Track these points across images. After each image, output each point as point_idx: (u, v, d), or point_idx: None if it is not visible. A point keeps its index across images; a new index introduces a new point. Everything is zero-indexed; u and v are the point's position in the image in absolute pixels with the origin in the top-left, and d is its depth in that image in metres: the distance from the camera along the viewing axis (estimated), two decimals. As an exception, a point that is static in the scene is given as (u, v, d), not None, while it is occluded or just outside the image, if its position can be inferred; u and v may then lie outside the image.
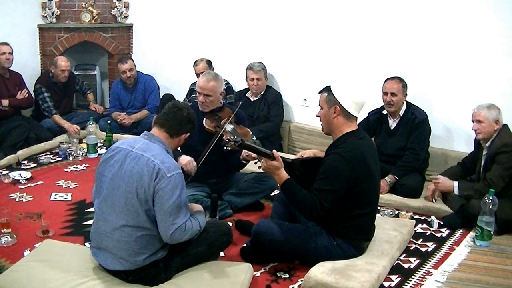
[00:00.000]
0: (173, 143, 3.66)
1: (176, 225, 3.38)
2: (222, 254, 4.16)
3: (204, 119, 4.86)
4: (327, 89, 3.85)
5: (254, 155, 4.63)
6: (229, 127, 4.80)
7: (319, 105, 3.91)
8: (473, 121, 4.95)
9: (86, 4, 8.08)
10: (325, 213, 3.68)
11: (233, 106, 5.27)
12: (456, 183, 4.93)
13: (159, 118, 3.67)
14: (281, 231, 3.91)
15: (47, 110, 7.19)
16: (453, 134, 5.79)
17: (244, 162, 4.85)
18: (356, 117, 3.83)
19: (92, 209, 4.92)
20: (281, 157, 3.89)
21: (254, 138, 6.22)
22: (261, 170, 3.98)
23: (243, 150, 4.63)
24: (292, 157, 4.40)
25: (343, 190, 3.65)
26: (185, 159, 4.66)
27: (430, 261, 4.28)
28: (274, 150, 3.84)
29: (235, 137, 3.83)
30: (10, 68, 6.96)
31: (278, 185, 3.87)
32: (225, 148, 3.90)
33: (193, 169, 4.63)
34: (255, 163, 4.69)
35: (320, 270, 3.68)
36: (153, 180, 3.34)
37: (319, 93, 3.92)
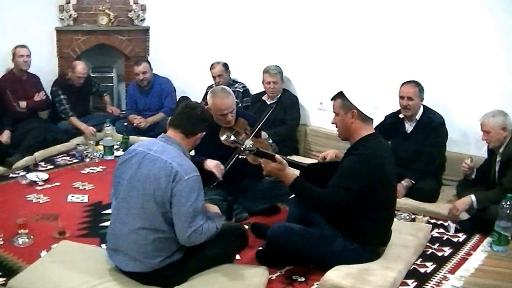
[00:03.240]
0: (189, 143, 3.64)
1: (193, 228, 3.37)
2: (237, 256, 4.15)
3: (221, 132, 4.78)
4: (340, 94, 3.83)
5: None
6: (248, 143, 4.71)
7: (334, 111, 3.89)
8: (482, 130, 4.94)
9: (103, 7, 8.14)
10: (339, 210, 3.65)
11: (248, 112, 5.22)
12: (473, 198, 4.84)
13: (173, 119, 3.67)
14: (296, 235, 3.90)
15: (64, 112, 7.22)
16: (470, 138, 5.73)
17: (267, 178, 4.82)
18: (372, 120, 3.82)
19: (108, 211, 4.91)
20: (295, 162, 3.86)
21: (271, 141, 6.22)
22: None
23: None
24: (307, 161, 4.39)
25: (358, 191, 3.61)
26: (212, 162, 4.61)
27: (446, 266, 4.24)
28: (276, 155, 3.78)
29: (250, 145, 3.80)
30: (27, 70, 7.01)
31: (287, 185, 3.79)
32: (240, 156, 3.88)
33: (221, 173, 4.57)
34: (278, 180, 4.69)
35: (336, 274, 3.66)
36: (171, 183, 3.33)
37: (331, 99, 3.91)
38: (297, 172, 3.89)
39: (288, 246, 3.89)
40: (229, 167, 4.60)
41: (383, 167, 3.69)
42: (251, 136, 4.76)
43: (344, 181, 3.62)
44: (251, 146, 4.39)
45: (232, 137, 4.69)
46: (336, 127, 3.92)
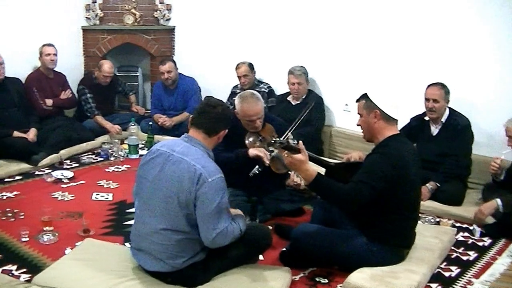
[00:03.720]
0: (212, 142, 3.61)
1: (218, 230, 3.36)
2: (261, 257, 4.16)
3: (247, 135, 4.79)
4: (364, 96, 3.83)
5: (302, 186, 4.64)
6: (274, 152, 4.71)
7: (358, 113, 3.88)
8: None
9: (129, 6, 8.17)
10: (360, 206, 3.62)
11: (274, 116, 5.21)
12: (499, 202, 4.79)
13: (195, 119, 3.62)
14: (320, 237, 3.90)
15: (90, 111, 7.27)
16: (496, 141, 5.67)
17: (289, 187, 4.82)
18: (397, 120, 3.79)
19: (132, 210, 4.94)
20: (324, 160, 3.84)
21: (295, 142, 6.20)
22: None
23: (291, 179, 4.60)
24: (333, 161, 4.38)
25: (380, 189, 3.58)
26: (255, 149, 4.59)
27: (471, 270, 4.20)
28: (301, 148, 3.70)
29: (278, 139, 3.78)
30: (54, 69, 7.07)
31: (306, 181, 3.70)
32: (270, 149, 3.83)
33: (267, 157, 4.49)
34: (300, 191, 4.69)
35: (359, 276, 3.65)
36: (195, 185, 3.31)
37: (356, 101, 3.90)
38: (320, 170, 3.86)
39: (312, 248, 3.89)
40: (252, 178, 4.56)
41: (407, 168, 3.66)
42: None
43: (367, 177, 3.59)
44: (276, 154, 4.38)
45: (258, 144, 4.68)
46: (361, 128, 3.90)
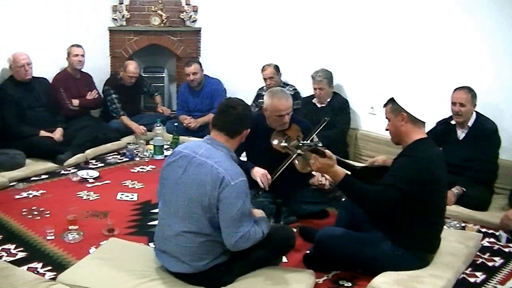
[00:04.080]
0: (235, 143, 3.58)
1: (240, 233, 3.35)
2: (284, 259, 4.14)
3: (272, 136, 4.77)
4: (391, 100, 3.81)
5: (327, 186, 4.64)
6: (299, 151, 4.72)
7: (386, 117, 3.86)
8: None
9: (156, 8, 8.20)
10: (386, 208, 3.60)
11: (300, 118, 5.21)
12: None
13: (215, 120, 3.59)
14: (344, 240, 3.89)
15: (115, 111, 7.32)
16: (523, 146, 5.65)
17: (314, 187, 4.81)
18: (424, 123, 3.77)
19: (157, 210, 4.97)
20: (349, 163, 3.83)
21: (320, 144, 6.19)
22: None
23: (316, 179, 4.60)
24: (359, 165, 4.36)
25: (408, 192, 3.54)
26: (259, 171, 4.50)
27: (496, 276, 4.16)
28: (327, 151, 3.67)
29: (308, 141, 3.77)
30: (81, 70, 7.13)
31: (335, 183, 3.68)
32: (296, 150, 3.81)
33: (267, 182, 4.47)
34: (326, 192, 4.68)
35: (383, 280, 3.62)
36: (217, 189, 3.30)
37: (383, 106, 3.88)
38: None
39: (336, 251, 3.88)
40: (280, 176, 4.55)
41: (434, 172, 3.63)
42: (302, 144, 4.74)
43: (395, 180, 3.56)
44: (302, 152, 4.38)
45: (284, 143, 4.67)
46: (390, 133, 3.88)
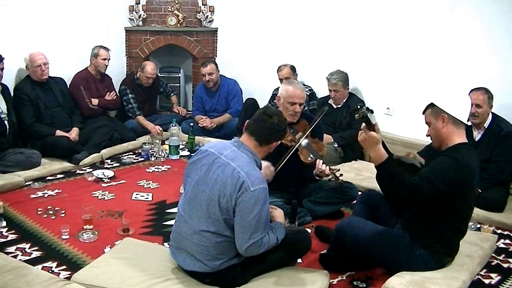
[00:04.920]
0: (262, 151, 3.59)
1: (253, 240, 3.34)
2: (299, 260, 4.13)
3: None
4: (431, 105, 3.73)
5: (327, 171, 4.57)
6: (304, 141, 4.74)
7: (426, 122, 3.77)
8: None
9: (172, 8, 8.22)
10: (419, 201, 3.55)
11: (314, 116, 5.21)
12: None
13: (250, 125, 3.59)
14: (364, 230, 3.83)
15: (131, 111, 7.34)
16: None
17: (317, 178, 4.78)
18: (465, 124, 3.70)
19: (172, 210, 5.02)
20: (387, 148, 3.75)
21: (336, 145, 6.18)
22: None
23: (318, 167, 4.58)
24: (365, 174, 4.32)
25: (442, 191, 3.49)
26: (262, 163, 4.57)
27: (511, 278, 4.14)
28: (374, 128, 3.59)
29: (364, 108, 3.68)
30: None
31: (374, 162, 3.58)
32: (356, 116, 3.72)
33: (270, 175, 4.46)
34: (328, 180, 4.65)
35: (398, 281, 3.59)
36: (236, 192, 3.29)
37: (422, 113, 3.80)
38: None
39: (354, 241, 3.81)
40: (281, 168, 4.56)
41: (470, 179, 3.58)
42: (306, 135, 4.77)
43: (432, 176, 3.49)
44: (305, 145, 4.38)
45: (289, 135, 4.70)
46: (431, 138, 3.82)
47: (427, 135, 3.81)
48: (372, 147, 3.56)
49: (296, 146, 4.65)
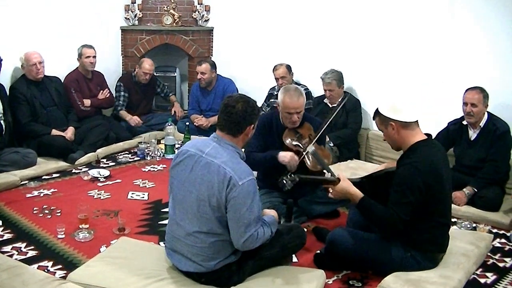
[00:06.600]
0: (240, 141, 3.54)
1: (249, 233, 3.34)
2: (295, 259, 4.15)
3: (285, 135, 4.80)
4: (376, 112, 3.83)
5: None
6: (310, 148, 4.72)
7: (379, 129, 3.88)
8: None
9: (168, 7, 8.22)
10: (405, 226, 3.60)
11: (316, 118, 5.21)
12: None
13: (218, 120, 3.58)
14: (355, 241, 3.88)
15: (117, 108, 7.47)
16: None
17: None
18: (417, 122, 3.74)
19: (167, 209, 4.98)
20: (348, 178, 3.83)
21: (332, 144, 6.18)
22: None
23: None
24: (368, 165, 4.35)
25: (418, 201, 3.57)
26: (286, 155, 4.62)
27: (507, 277, 4.14)
28: (339, 174, 3.76)
29: (291, 175, 3.81)
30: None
31: (353, 203, 3.80)
32: (285, 189, 3.86)
33: (295, 164, 4.57)
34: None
35: (393, 281, 3.62)
36: (225, 189, 3.29)
37: (373, 119, 3.88)
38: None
39: (347, 251, 3.88)
40: (278, 168, 4.59)
41: (437, 173, 3.62)
42: (314, 142, 4.75)
43: (403, 196, 3.57)
44: (312, 152, 4.39)
45: (295, 141, 4.70)
46: (388, 143, 3.90)
47: (384, 140, 3.88)
48: (345, 195, 3.76)
49: (304, 154, 4.66)
